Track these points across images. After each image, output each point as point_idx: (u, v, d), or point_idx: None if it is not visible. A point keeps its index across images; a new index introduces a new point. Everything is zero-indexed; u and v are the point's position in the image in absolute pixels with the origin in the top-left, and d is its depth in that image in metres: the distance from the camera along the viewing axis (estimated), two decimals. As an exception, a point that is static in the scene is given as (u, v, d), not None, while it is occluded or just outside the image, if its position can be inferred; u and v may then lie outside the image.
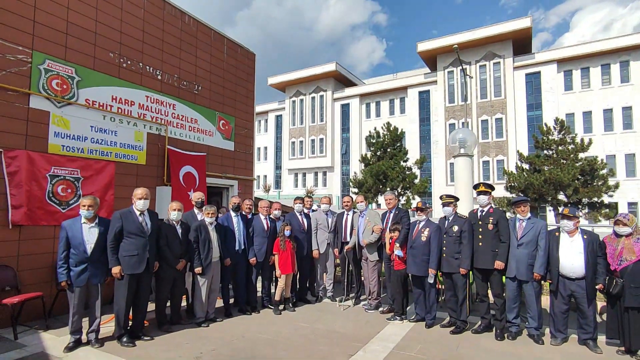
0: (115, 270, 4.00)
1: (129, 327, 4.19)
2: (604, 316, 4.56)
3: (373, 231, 5.41)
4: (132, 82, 6.26)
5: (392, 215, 5.37)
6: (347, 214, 5.95)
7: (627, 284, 3.83)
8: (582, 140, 17.60)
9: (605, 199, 17.32)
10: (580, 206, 16.85)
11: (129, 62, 6.22)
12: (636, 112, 27.79)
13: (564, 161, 17.05)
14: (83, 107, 5.53)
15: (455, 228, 4.63)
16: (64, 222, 3.97)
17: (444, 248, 4.69)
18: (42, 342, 4.07)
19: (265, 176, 45.79)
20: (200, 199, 5.42)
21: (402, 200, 20.66)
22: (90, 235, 3.94)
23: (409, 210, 6.53)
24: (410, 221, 5.20)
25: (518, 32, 30.49)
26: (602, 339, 4.18)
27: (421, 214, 4.95)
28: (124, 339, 4.04)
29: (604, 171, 16.94)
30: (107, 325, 4.43)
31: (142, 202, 4.24)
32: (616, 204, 24.65)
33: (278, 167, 45.83)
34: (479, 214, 4.68)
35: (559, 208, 17.16)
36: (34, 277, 4.81)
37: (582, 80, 29.89)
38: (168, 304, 4.79)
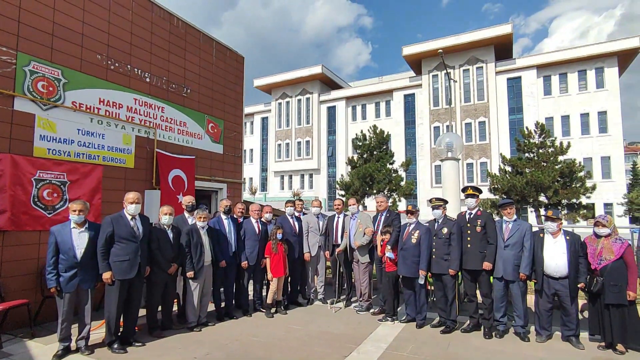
0: (106, 275, 3.93)
1: (119, 333, 4.13)
2: (586, 313, 4.76)
3: (365, 233, 5.48)
4: (120, 85, 6.17)
5: (383, 217, 5.46)
6: (338, 217, 6.01)
7: (607, 282, 4.03)
8: (561, 143, 18.21)
9: (583, 200, 17.96)
10: (559, 207, 17.40)
11: (116, 64, 6.13)
12: (611, 117, 28.95)
13: (545, 164, 17.59)
14: (70, 110, 5.42)
15: (445, 230, 4.75)
16: (53, 227, 3.88)
17: (434, 250, 4.79)
18: (29, 351, 3.96)
19: (251, 178, 45.49)
20: (190, 203, 5.37)
21: (389, 202, 20.90)
22: (80, 240, 3.87)
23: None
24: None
25: (500, 37, 31.36)
26: (584, 335, 4.36)
27: (411, 217, 5.06)
28: (115, 346, 3.97)
29: (582, 173, 17.56)
30: (97, 331, 4.35)
31: (133, 207, 4.19)
32: (593, 204, 25.60)
33: (264, 169, 45.62)
34: (467, 216, 4.82)
35: (540, 209, 17.68)
36: (18, 284, 4.67)
37: (561, 86, 30.96)
38: (159, 308, 4.73)
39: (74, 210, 3.86)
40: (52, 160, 5.13)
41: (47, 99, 5.14)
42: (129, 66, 6.34)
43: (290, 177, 42.79)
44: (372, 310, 5.54)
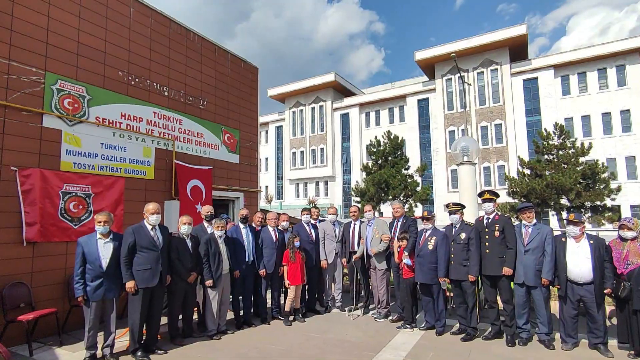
0: (130, 284, 4.06)
1: (142, 341, 4.23)
2: (614, 320, 4.59)
3: (381, 240, 5.47)
4: (140, 99, 6.40)
5: (399, 224, 5.44)
6: (355, 224, 6.01)
7: (635, 287, 3.89)
8: (582, 144, 17.70)
9: (608, 202, 17.33)
10: (583, 210, 16.85)
11: (137, 80, 6.37)
12: (634, 115, 27.96)
13: (565, 165, 17.12)
14: (93, 125, 5.65)
15: (463, 235, 4.70)
16: (80, 238, 4.05)
17: (452, 255, 4.74)
18: (58, 358, 4.11)
19: (267, 187, 45.88)
20: (209, 212, 5.49)
21: (405, 208, 20.72)
22: (105, 250, 4.02)
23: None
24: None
25: (514, 39, 30.88)
26: (613, 342, 4.21)
27: (427, 223, 5.03)
28: (139, 353, 4.08)
29: (605, 174, 16.99)
30: (121, 339, 4.47)
31: (154, 217, 4.33)
32: (619, 206, 24.60)
33: (279, 177, 45.95)
34: (485, 221, 4.75)
35: (562, 212, 17.16)
36: (47, 293, 4.86)
37: (580, 85, 30.16)
38: (180, 317, 4.83)
39: (99, 222, 4.02)
40: (78, 173, 5.35)
41: (72, 115, 5.38)
42: (148, 81, 6.58)
43: (306, 184, 42.95)
44: (390, 318, 5.50)
